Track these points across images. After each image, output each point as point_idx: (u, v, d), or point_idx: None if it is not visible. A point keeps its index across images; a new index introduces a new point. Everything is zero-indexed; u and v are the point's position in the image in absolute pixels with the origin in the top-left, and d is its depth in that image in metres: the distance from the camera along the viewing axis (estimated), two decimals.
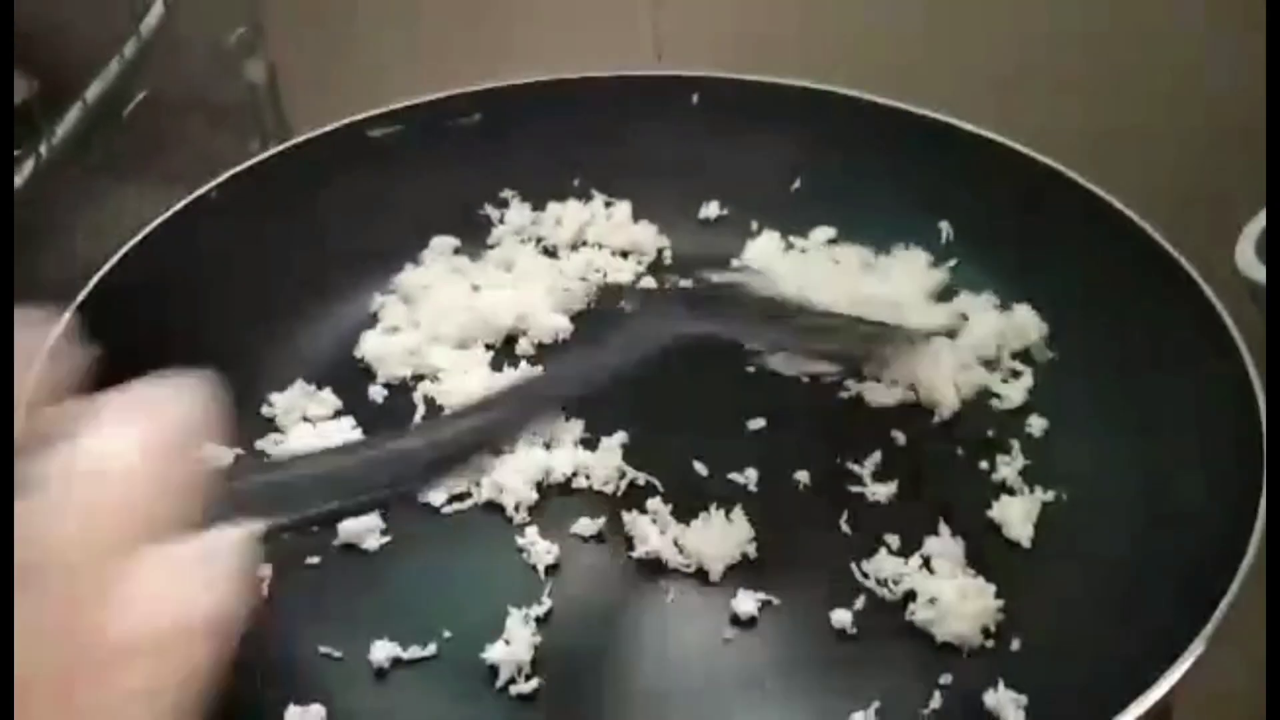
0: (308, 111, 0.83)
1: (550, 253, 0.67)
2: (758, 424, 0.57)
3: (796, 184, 0.68)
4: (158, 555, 0.25)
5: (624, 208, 0.68)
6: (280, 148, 0.66)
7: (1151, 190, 0.59)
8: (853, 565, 0.51)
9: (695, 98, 0.69)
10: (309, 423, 0.57)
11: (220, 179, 0.63)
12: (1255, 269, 0.52)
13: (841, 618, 0.49)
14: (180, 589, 0.25)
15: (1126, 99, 0.75)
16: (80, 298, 0.56)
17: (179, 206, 0.61)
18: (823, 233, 0.66)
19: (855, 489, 0.54)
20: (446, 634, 0.49)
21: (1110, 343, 0.58)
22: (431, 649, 0.48)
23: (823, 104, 0.68)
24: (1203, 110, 0.73)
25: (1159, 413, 0.54)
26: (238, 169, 0.64)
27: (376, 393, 0.59)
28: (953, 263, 0.64)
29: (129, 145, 0.79)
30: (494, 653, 0.47)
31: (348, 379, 0.60)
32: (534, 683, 0.47)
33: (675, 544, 0.51)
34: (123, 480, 0.25)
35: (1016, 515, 0.53)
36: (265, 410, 0.58)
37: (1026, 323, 0.60)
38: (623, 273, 0.65)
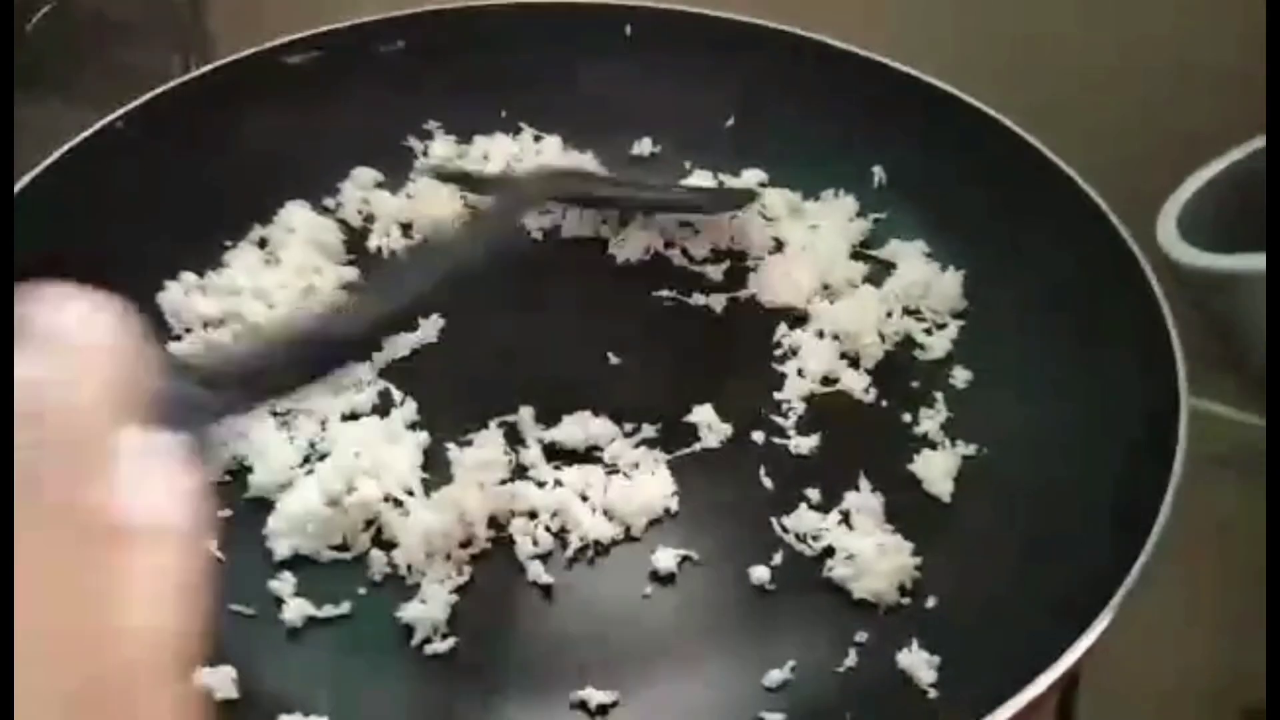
0: (233, 28, 0.80)
1: None
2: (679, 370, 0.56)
3: (730, 121, 0.67)
4: (141, 440, 0.25)
5: (553, 142, 0.66)
6: (193, 74, 0.63)
7: (1095, 146, 0.58)
8: (773, 520, 0.51)
9: (629, 29, 0.67)
10: None
11: (131, 105, 0.60)
12: (1176, 247, 0.51)
13: (760, 574, 0.49)
14: (168, 474, 0.25)
15: (1077, 52, 0.73)
16: None
17: (87, 134, 0.59)
18: (754, 175, 0.65)
19: (778, 441, 0.54)
20: (361, 591, 0.48)
21: (1037, 297, 0.57)
22: (346, 607, 0.47)
23: (760, 39, 0.66)
24: (1153, 68, 0.72)
25: (1082, 370, 0.54)
26: (148, 95, 0.61)
27: None
28: (882, 213, 0.63)
29: (38, 62, 0.76)
30: (409, 612, 0.47)
31: None
32: (450, 642, 0.47)
33: (596, 498, 0.51)
34: (108, 359, 0.25)
35: (937, 470, 0.53)
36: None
37: (953, 275, 0.60)
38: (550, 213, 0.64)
